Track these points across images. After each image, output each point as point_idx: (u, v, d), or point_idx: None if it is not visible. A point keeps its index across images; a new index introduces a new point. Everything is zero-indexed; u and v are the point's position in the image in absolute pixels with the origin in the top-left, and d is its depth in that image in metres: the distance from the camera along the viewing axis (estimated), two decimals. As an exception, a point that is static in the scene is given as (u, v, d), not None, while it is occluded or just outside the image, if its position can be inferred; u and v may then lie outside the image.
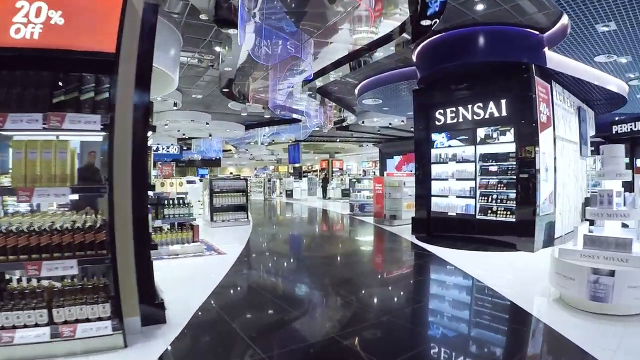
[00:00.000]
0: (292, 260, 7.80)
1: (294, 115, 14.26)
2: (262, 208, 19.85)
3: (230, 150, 28.90)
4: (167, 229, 5.90)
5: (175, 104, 12.84)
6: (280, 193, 27.67)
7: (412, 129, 19.51)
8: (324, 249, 8.73)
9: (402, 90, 10.98)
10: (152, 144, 21.50)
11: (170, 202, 5.93)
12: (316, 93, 12.61)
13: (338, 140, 25.01)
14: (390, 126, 18.19)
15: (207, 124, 14.91)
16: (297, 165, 39.20)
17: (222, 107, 14.96)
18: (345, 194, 24.28)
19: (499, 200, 7.81)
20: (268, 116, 15.49)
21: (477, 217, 8.12)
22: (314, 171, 39.68)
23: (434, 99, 9.04)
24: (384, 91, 11.18)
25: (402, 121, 16.85)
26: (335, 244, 9.30)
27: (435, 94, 8.98)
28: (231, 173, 39.98)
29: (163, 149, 20.95)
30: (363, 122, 17.09)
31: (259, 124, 17.56)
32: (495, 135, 7.99)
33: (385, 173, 11.28)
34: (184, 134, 20.66)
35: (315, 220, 14.16)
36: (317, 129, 19.19)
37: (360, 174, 33.82)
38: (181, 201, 6.00)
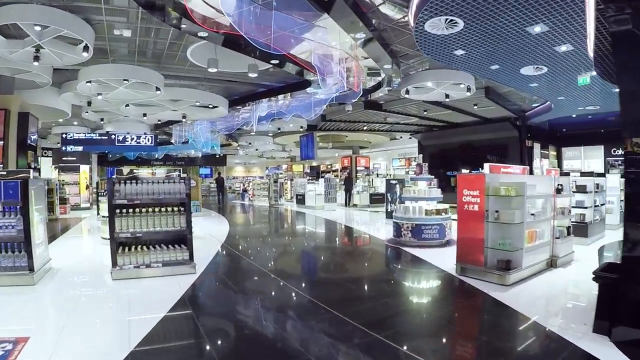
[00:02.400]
0: None
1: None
2: (252, 222, 13.96)
3: (230, 144, 23.29)
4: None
5: (85, 48, 7.13)
6: (291, 198, 21.79)
7: (475, 108, 13.25)
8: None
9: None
10: (112, 132, 16.09)
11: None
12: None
13: (365, 128, 18.92)
14: (444, 101, 12.06)
15: (158, 90, 9.17)
16: (313, 164, 33.31)
17: (181, 62, 9.20)
18: (376, 200, 18.24)
19: None
20: (254, 75, 9.67)
21: None
22: (334, 171, 33.69)
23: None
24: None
25: (469, 89, 10.69)
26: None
27: None
28: (234, 178, 34.47)
29: (131, 139, 15.41)
30: (407, 93, 10.98)
31: (249, 97, 11.71)
32: None
33: (486, 168, 5.17)
34: (159, 120, 15.10)
35: (333, 257, 8.12)
36: (337, 105, 13.19)
37: (389, 174, 27.66)
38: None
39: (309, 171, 33.58)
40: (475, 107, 14.45)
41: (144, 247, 5.39)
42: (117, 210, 5.25)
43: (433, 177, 8.21)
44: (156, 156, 24.78)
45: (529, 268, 5.39)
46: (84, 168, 17.04)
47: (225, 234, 9.35)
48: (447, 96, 11.41)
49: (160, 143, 21.80)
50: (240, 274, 5.91)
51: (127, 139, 15.42)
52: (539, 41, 6.79)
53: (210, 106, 11.13)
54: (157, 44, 8.11)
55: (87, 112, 13.00)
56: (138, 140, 15.50)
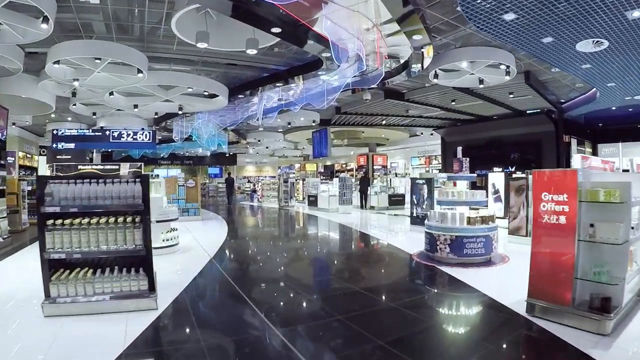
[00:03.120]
0: None
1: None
2: (254, 228, 12.46)
3: (238, 142, 21.91)
4: None
5: (45, 20, 5.73)
6: (303, 199, 20.26)
7: (510, 97, 11.88)
8: None
9: None
10: (107, 127, 14.80)
11: None
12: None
13: (384, 122, 17.22)
14: (477, 89, 10.33)
15: (140, 71, 7.71)
16: (328, 162, 31.70)
17: (168, 40, 7.74)
18: (395, 201, 16.53)
19: None
20: (254, 52, 8.23)
21: None
22: (349, 170, 32.03)
23: None
24: None
25: (508, 72, 9.02)
26: None
27: None
28: (243, 177, 33.16)
29: (128, 136, 14.11)
30: (435, 77, 9.31)
31: (252, 84, 10.18)
32: None
33: (577, 160, 3.50)
34: (156, 114, 13.78)
35: (350, 281, 6.43)
36: (353, 95, 11.58)
37: (407, 173, 25.83)
38: None
39: (322, 170, 31.99)
40: (511, 96, 12.62)
41: (88, 273, 3.89)
42: (50, 221, 3.77)
43: (476, 174, 6.53)
44: (162, 155, 23.56)
45: (627, 306, 3.72)
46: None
47: (219, 244, 7.84)
48: (481, 82, 9.69)
49: (164, 140, 20.57)
50: (220, 312, 4.30)
51: (123, 135, 14.12)
52: (606, 3, 5.22)
53: (206, 93, 9.65)
54: (136, 16, 6.65)
55: (74, 104, 11.70)
56: (135, 137, 14.17)
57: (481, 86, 10.03)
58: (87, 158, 16.68)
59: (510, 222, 8.14)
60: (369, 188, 16.69)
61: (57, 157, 15.73)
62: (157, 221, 6.68)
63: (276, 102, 11.10)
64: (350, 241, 9.22)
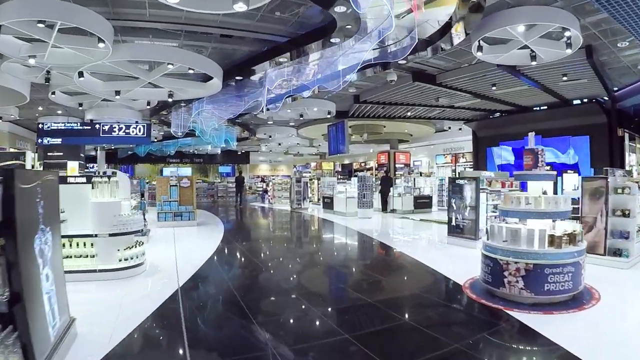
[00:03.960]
0: None
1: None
2: (253, 236, 10.66)
3: (248, 138, 20.26)
4: None
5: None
6: (318, 200, 18.41)
7: (563, 80, 10.30)
8: None
9: None
10: (97, 121, 13.29)
11: None
12: None
13: (409, 114, 15.18)
14: (526, 67, 8.25)
15: (101, 41, 5.99)
16: (345, 161, 29.80)
17: (139, 5, 6.01)
18: (422, 204, 14.50)
19: None
20: (242, 7, 6.40)
21: None
22: (368, 169, 30.01)
23: None
24: None
25: (569, 44, 7.00)
26: None
27: None
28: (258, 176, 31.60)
29: (119, 129, 12.58)
30: (479, 49, 7.30)
31: (250, 61, 8.36)
32: None
33: None
34: (149, 103, 12.16)
35: (372, 333, 4.41)
36: (375, 76, 9.65)
37: (431, 172, 23.59)
38: None
39: (340, 169, 30.07)
40: (564, 78, 10.47)
41: None
42: None
43: (555, 172, 4.55)
44: (168, 152, 22.15)
45: None
46: (73, 165, 14.44)
47: (201, 262, 6.02)
48: (533, 57, 7.66)
49: (168, 137, 19.11)
50: None
51: (115, 129, 12.62)
52: None
53: (192, 71, 7.89)
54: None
55: (53, 93, 10.20)
56: (127, 131, 12.65)
57: (533, 63, 8.01)
58: (82, 155, 15.30)
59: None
60: (391, 189, 14.70)
61: (48, 153, 14.36)
62: (111, 235, 4.96)
63: (282, 87, 9.29)
64: (372, 260, 7.29)
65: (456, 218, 7.25)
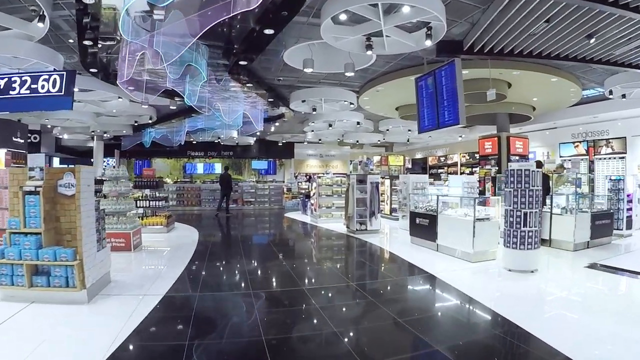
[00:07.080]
0: None
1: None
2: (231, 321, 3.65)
3: (281, 116, 13.69)
4: None
5: None
6: (391, 212, 11.26)
7: None
8: None
9: None
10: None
11: None
12: None
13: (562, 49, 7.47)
14: None
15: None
16: (417, 155, 22.16)
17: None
18: (601, 230, 6.83)
19: None
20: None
21: None
22: (451, 165, 22.08)
23: None
24: None
25: None
26: None
27: None
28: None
29: (21, 85, 6.52)
30: None
31: None
32: None
33: None
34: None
35: None
36: None
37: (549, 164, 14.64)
38: None
39: (410, 166, 22.44)
40: None
41: None
42: None
43: None
44: (178, 142, 16.18)
45: None
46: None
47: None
48: None
49: (164, 117, 13.08)
50: None
51: (14, 86, 6.64)
52: None
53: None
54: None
55: None
56: (34, 86, 6.56)
57: None
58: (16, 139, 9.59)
59: None
60: (547, 198, 7.22)
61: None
62: None
63: None
64: None
65: None
